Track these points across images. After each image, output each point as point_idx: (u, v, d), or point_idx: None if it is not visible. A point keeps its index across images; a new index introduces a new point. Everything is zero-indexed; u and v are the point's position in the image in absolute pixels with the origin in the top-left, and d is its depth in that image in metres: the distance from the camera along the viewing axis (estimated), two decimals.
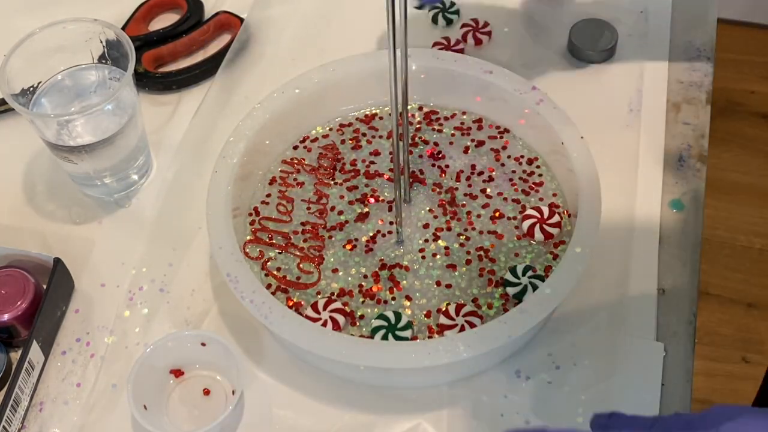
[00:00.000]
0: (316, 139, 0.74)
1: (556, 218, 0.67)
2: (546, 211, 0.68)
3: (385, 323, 0.63)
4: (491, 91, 0.72)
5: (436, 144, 0.73)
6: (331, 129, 0.75)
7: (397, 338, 0.63)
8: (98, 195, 0.74)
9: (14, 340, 0.66)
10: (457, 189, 0.70)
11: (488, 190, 0.70)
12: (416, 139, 0.74)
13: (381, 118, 0.75)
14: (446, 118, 0.75)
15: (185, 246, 0.71)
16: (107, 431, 0.62)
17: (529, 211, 0.68)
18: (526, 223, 0.67)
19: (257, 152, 0.71)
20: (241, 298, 0.61)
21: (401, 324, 0.63)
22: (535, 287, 0.64)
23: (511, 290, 0.64)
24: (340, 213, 0.70)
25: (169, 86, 0.81)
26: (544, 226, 0.67)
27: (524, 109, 0.71)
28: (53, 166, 0.76)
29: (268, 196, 0.71)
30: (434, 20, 0.82)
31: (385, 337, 0.63)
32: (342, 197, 0.71)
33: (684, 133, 0.76)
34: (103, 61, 0.72)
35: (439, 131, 0.74)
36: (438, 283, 0.66)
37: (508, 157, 0.72)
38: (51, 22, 0.70)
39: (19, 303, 0.65)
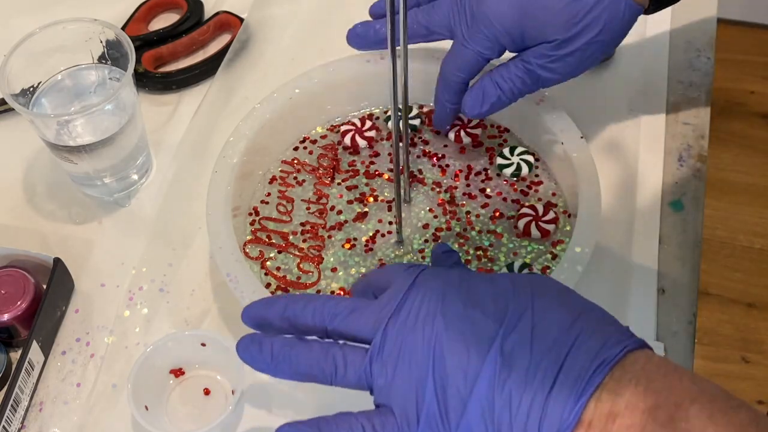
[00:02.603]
0: (316, 140, 0.74)
1: (551, 215, 0.67)
2: (540, 208, 0.68)
3: None
4: None
5: (435, 144, 0.73)
6: (330, 129, 0.75)
7: None
8: (98, 195, 0.74)
9: (14, 340, 0.66)
10: (456, 188, 0.70)
11: (487, 189, 0.70)
12: (416, 139, 0.74)
13: (377, 118, 0.75)
14: None
15: (185, 246, 0.71)
16: (107, 431, 0.63)
17: (524, 210, 0.68)
18: (522, 222, 0.67)
19: (257, 152, 0.71)
20: (241, 298, 0.61)
21: None
22: None
23: None
24: (339, 213, 0.70)
25: (169, 86, 0.81)
26: (540, 223, 0.67)
27: (524, 108, 0.71)
28: (53, 166, 0.76)
29: (268, 195, 0.71)
30: None
31: None
32: (341, 196, 0.71)
33: (684, 133, 0.76)
34: (103, 61, 0.72)
35: (438, 133, 0.74)
36: None
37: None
38: (51, 22, 0.70)
39: (19, 303, 0.65)
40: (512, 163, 0.71)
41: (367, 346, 0.49)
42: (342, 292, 0.65)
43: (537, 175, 0.71)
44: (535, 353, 0.45)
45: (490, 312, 0.47)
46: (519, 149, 0.71)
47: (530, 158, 0.71)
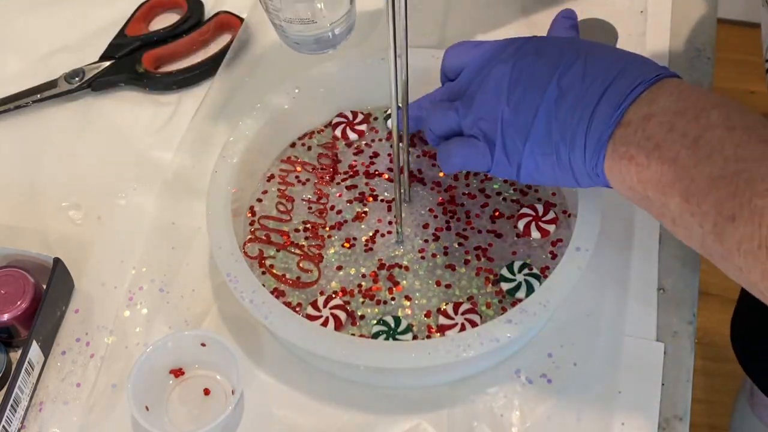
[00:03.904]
0: (312, 136, 0.74)
1: (551, 215, 0.67)
2: (540, 209, 0.68)
3: (385, 328, 0.63)
4: None
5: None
6: (328, 125, 0.75)
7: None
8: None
9: (14, 340, 0.66)
10: (456, 188, 0.70)
11: (487, 189, 0.70)
12: (415, 139, 0.74)
13: (376, 118, 0.75)
14: None
15: (185, 246, 0.71)
16: (107, 431, 0.63)
17: (524, 210, 0.68)
18: (522, 222, 0.67)
19: (257, 152, 0.71)
20: (241, 298, 0.61)
21: (401, 328, 0.63)
22: (529, 285, 0.64)
23: (505, 285, 0.64)
24: (339, 212, 0.70)
25: (169, 86, 0.81)
26: (540, 223, 0.67)
27: None
28: (53, 165, 0.76)
29: (266, 194, 0.71)
30: None
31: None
32: (340, 195, 0.71)
33: None
34: None
35: None
36: (438, 283, 0.66)
37: None
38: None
39: (18, 303, 0.65)
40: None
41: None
42: (342, 293, 0.65)
43: None
44: (586, 83, 0.55)
45: (550, 59, 0.57)
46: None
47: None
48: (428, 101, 0.65)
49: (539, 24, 0.83)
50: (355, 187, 0.71)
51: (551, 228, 0.67)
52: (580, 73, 0.55)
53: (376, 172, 0.72)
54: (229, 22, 0.85)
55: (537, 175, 0.58)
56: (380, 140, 0.74)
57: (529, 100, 0.56)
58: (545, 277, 0.65)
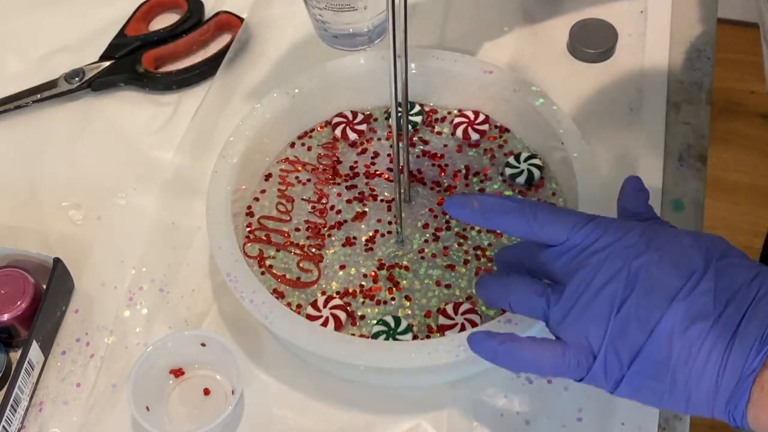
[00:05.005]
0: (312, 136, 0.74)
1: None
2: None
3: (385, 328, 0.63)
4: (491, 91, 0.72)
5: (434, 143, 0.73)
6: (328, 125, 0.75)
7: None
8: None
9: (14, 340, 0.66)
10: (455, 188, 0.70)
11: (487, 189, 0.70)
12: (414, 138, 0.74)
13: (376, 119, 0.75)
14: (444, 118, 0.75)
15: (185, 246, 0.71)
16: (107, 431, 0.63)
17: None
18: None
19: (257, 152, 0.71)
20: (241, 298, 0.61)
21: (401, 328, 0.63)
22: None
23: None
24: (339, 212, 0.70)
25: (169, 86, 0.81)
26: None
27: (524, 109, 0.71)
28: (53, 165, 0.76)
29: (266, 194, 0.71)
30: None
31: None
32: (339, 195, 0.71)
33: (684, 133, 0.76)
34: None
35: (439, 133, 0.74)
36: (438, 283, 0.66)
37: (507, 155, 0.72)
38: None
39: (18, 303, 0.65)
40: (522, 171, 0.69)
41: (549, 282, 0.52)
42: (342, 293, 0.65)
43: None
44: (719, 304, 0.47)
45: (673, 261, 0.49)
46: (524, 155, 0.70)
47: (538, 162, 0.70)
48: (512, 254, 0.57)
49: (539, 24, 0.83)
50: (355, 187, 0.71)
51: None
52: (710, 288, 0.48)
53: (376, 172, 0.72)
54: (229, 22, 0.85)
55: (636, 395, 0.50)
56: (380, 140, 0.74)
57: (646, 312, 0.48)
58: None
